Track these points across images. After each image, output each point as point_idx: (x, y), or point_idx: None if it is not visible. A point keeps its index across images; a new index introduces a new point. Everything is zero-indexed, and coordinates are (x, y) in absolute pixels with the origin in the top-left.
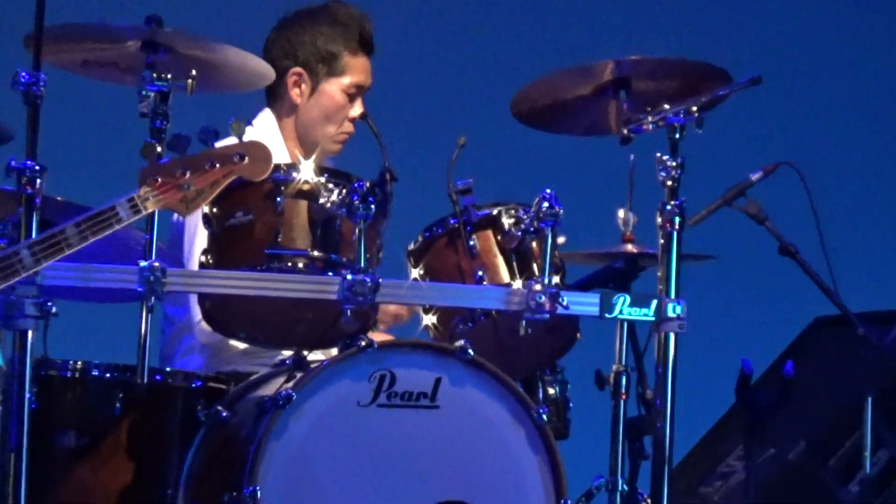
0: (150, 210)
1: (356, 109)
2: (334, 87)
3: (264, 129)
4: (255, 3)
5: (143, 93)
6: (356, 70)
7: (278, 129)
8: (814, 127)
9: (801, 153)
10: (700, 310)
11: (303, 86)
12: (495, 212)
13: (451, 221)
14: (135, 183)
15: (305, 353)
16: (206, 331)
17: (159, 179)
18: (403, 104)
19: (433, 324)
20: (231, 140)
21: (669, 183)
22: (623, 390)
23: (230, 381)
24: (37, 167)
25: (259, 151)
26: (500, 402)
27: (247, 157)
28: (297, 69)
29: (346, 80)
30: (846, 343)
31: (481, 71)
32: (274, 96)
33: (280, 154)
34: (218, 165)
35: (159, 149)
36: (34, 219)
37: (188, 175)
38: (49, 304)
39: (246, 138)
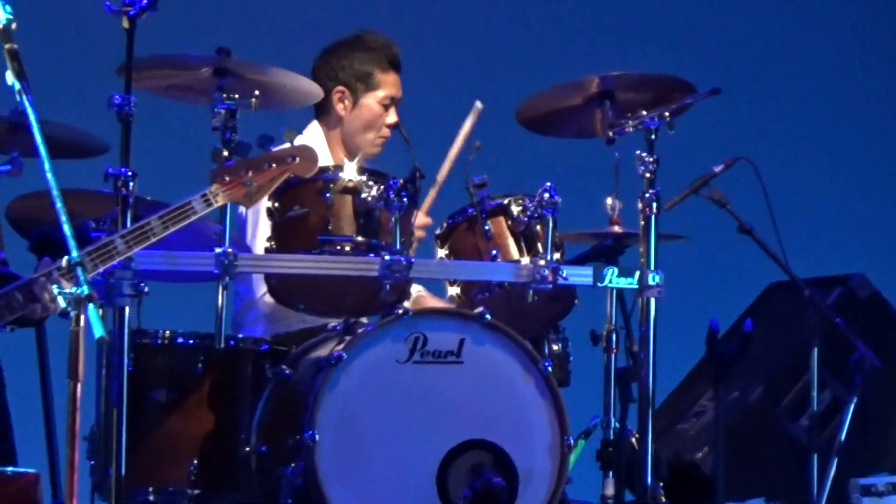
0: (219, 203)
1: (391, 117)
2: (371, 101)
3: (313, 137)
4: (307, 32)
5: (215, 110)
6: (388, 84)
7: (324, 138)
8: (765, 127)
9: (754, 149)
10: (675, 279)
11: (346, 101)
12: (506, 201)
13: (470, 210)
14: (207, 182)
15: (352, 320)
16: (269, 302)
17: (227, 178)
18: (427, 115)
19: (457, 294)
20: (285, 145)
21: (647, 175)
22: (614, 346)
23: (291, 343)
24: (129, 173)
25: (307, 153)
26: (513, 357)
27: (297, 158)
28: (341, 88)
29: (381, 94)
30: (795, 304)
31: (491, 86)
32: (321, 111)
33: (325, 157)
34: (274, 165)
35: (226, 153)
36: (128, 215)
37: (250, 174)
38: (142, 284)
39: (300, 144)
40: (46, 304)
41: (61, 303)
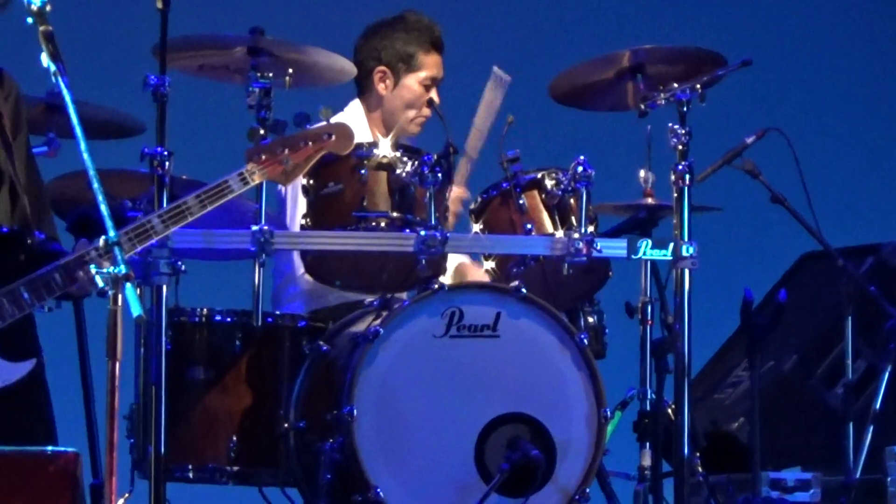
0: (256, 182)
1: (435, 97)
2: (412, 81)
3: (353, 114)
4: (339, 10)
5: (250, 89)
6: (430, 65)
7: (364, 115)
8: (795, 97)
9: (786, 119)
10: (709, 250)
11: (387, 81)
12: (539, 175)
13: (504, 185)
14: (243, 161)
15: (389, 295)
16: (308, 279)
17: (263, 157)
18: (462, 92)
19: (492, 268)
20: (321, 123)
21: (680, 147)
22: (649, 317)
23: (328, 319)
24: (165, 152)
25: (343, 130)
26: (549, 330)
27: (333, 136)
28: (382, 68)
29: (423, 74)
30: (829, 273)
31: (524, 61)
32: (363, 90)
33: (365, 134)
34: (311, 143)
35: (262, 132)
36: (164, 195)
37: (287, 152)
38: (179, 263)
39: (336, 122)
40: (84, 285)
41: (99, 282)
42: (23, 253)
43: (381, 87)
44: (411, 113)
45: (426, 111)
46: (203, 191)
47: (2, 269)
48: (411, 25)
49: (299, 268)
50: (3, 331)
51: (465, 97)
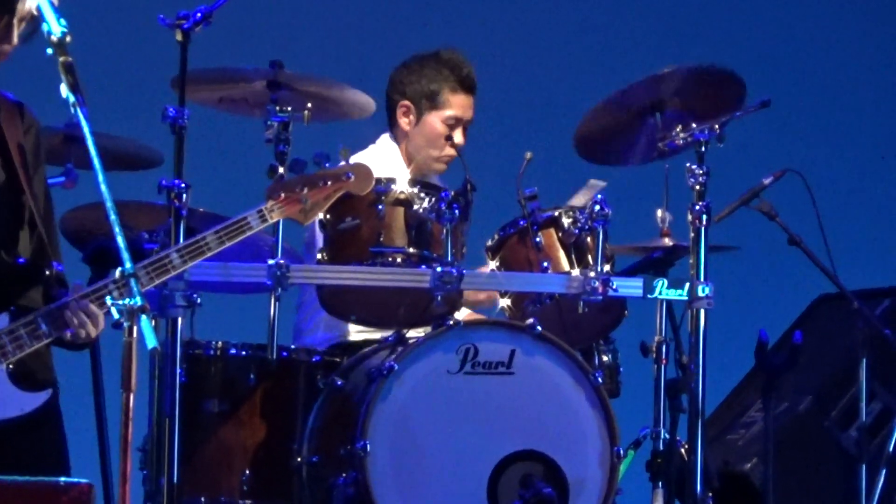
0: (274, 220)
1: (458, 137)
2: (435, 119)
3: (384, 147)
4: (360, 44)
5: (269, 123)
6: (456, 105)
7: (397, 148)
8: (814, 139)
9: (804, 161)
10: (725, 291)
11: (410, 116)
12: (556, 213)
13: (521, 222)
14: (262, 197)
15: (404, 331)
16: None
17: (282, 194)
18: (480, 128)
19: (508, 305)
20: (340, 163)
21: (697, 187)
22: (663, 357)
23: (344, 355)
24: (183, 185)
25: (363, 171)
26: (563, 368)
27: (353, 176)
28: (406, 102)
29: (447, 113)
30: (844, 315)
31: (542, 100)
32: (390, 123)
33: (397, 167)
34: (330, 183)
35: (281, 170)
36: (181, 227)
37: (306, 191)
38: (195, 295)
39: (367, 156)
40: (79, 332)
41: (114, 313)
42: (41, 284)
43: (403, 121)
44: (434, 152)
45: (450, 151)
46: (222, 227)
47: (20, 301)
48: (442, 62)
49: None
50: (20, 361)
51: (481, 132)
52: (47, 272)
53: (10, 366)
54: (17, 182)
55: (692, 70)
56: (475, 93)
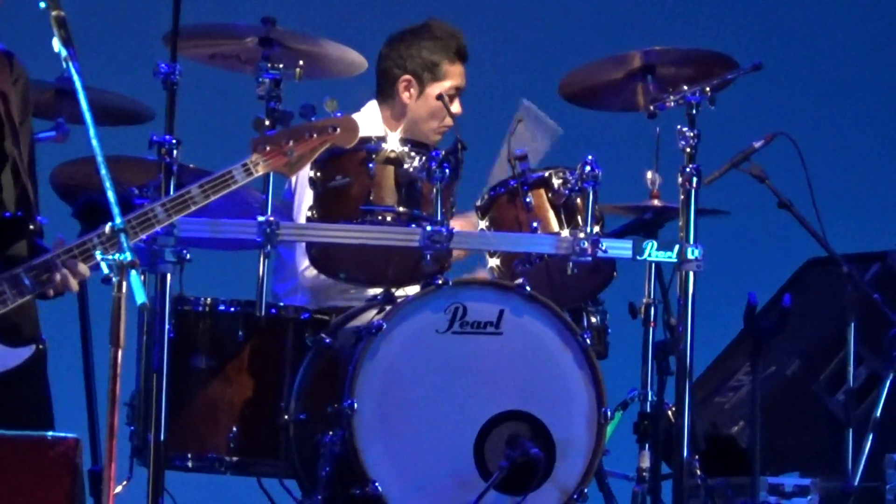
0: (260, 173)
1: (456, 107)
2: (437, 90)
3: (369, 114)
4: (351, 2)
5: (260, 80)
6: (453, 75)
7: (380, 117)
8: (805, 102)
9: (794, 124)
10: (714, 253)
11: (412, 90)
12: (546, 174)
13: (511, 182)
14: (250, 151)
15: (393, 290)
16: (310, 276)
17: (268, 147)
18: (471, 89)
19: (497, 265)
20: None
21: (688, 150)
22: (652, 319)
23: (331, 313)
24: (173, 140)
25: (349, 124)
26: (552, 328)
27: (339, 129)
28: (407, 77)
29: (447, 84)
30: (833, 279)
31: (533, 59)
32: (385, 97)
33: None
34: (315, 135)
35: (268, 123)
36: (172, 183)
37: (291, 143)
38: (184, 251)
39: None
40: (59, 286)
41: (104, 268)
42: (25, 238)
43: (405, 95)
44: (434, 123)
45: (448, 121)
46: (207, 181)
47: (4, 254)
48: (436, 34)
49: (301, 262)
50: (4, 316)
51: (472, 98)
52: (31, 226)
53: None
54: (1, 129)
55: (684, 52)
56: (467, 61)
